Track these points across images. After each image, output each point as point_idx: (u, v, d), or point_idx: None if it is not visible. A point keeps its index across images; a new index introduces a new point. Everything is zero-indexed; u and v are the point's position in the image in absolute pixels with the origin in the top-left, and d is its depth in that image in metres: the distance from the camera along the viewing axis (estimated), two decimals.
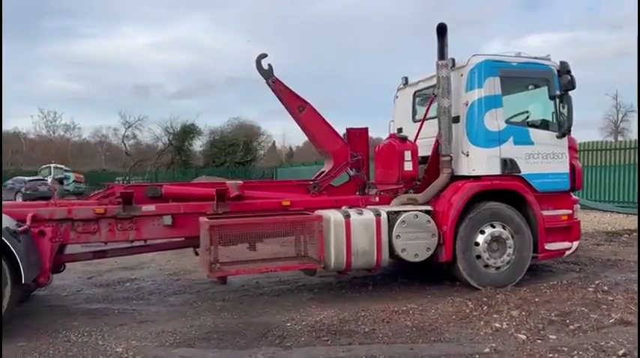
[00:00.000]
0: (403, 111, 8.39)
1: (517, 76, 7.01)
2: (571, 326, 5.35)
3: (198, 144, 51.07)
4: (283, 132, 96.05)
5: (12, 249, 5.15)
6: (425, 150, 7.20)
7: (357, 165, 7.51)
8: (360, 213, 6.28)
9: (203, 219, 5.95)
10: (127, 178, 45.82)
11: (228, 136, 48.54)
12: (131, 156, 51.12)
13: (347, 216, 6.19)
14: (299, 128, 7.47)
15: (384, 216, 6.32)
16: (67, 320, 5.92)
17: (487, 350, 4.76)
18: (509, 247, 6.79)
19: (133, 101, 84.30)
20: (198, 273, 8.52)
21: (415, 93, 8.16)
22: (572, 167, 7.19)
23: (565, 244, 7.18)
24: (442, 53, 6.84)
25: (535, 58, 7.17)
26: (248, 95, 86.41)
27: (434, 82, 7.58)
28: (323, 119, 7.32)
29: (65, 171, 36.73)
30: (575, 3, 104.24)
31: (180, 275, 8.39)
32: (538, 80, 7.17)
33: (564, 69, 7.06)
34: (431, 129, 7.34)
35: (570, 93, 6.93)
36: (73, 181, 34.97)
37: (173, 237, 6.49)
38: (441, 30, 6.82)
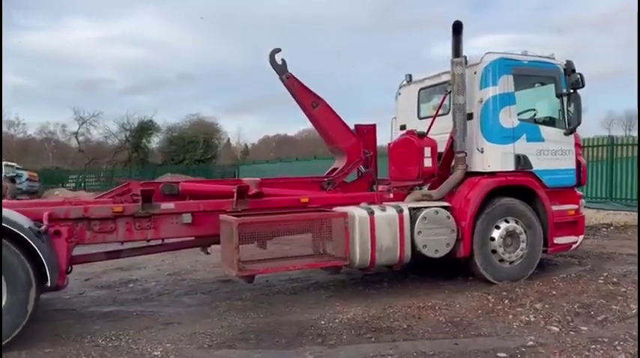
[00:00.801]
0: (406, 108, 8.42)
1: (527, 74, 7.16)
2: (598, 318, 5.51)
3: (155, 141, 49.93)
4: (238, 129, 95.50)
5: (37, 249, 4.88)
6: None
7: (367, 161, 7.50)
8: (384, 210, 6.27)
9: (229, 217, 5.80)
10: (82, 177, 44.38)
11: (187, 133, 47.60)
12: (84, 153, 49.44)
13: (371, 213, 6.16)
14: (310, 123, 7.39)
15: (406, 212, 6.33)
16: (85, 324, 5.66)
17: (530, 343, 4.84)
18: (523, 241, 6.93)
19: (81, 96, 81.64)
20: (199, 273, 8.35)
21: (420, 90, 8.20)
22: (578, 163, 7.40)
23: (572, 238, 7.40)
24: (457, 51, 6.90)
25: (540, 56, 7.33)
26: (201, 92, 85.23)
27: (442, 79, 7.70)
28: (336, 115, 7.26)
29: (17, 169, 35.13)
30: (520, 5, 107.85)
31: (182, 275, 8.17)
32: (545, 78, 7.34)
33: (570, 68, 7.26)
34: (437, 125, 7.39)
35: (579, 91, 7.11)
36: (27, 180, 33.45)
37: (191, 235, 6.29)
38: (457, 28, 6.88)
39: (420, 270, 7.62)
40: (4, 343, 4.74)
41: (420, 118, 8.15)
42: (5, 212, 4.95)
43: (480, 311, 5.86)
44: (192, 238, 6.60)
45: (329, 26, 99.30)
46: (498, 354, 4.58)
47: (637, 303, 5.82)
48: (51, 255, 5.06)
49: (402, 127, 8.42)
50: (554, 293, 6.38)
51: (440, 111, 7.78)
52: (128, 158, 47.83)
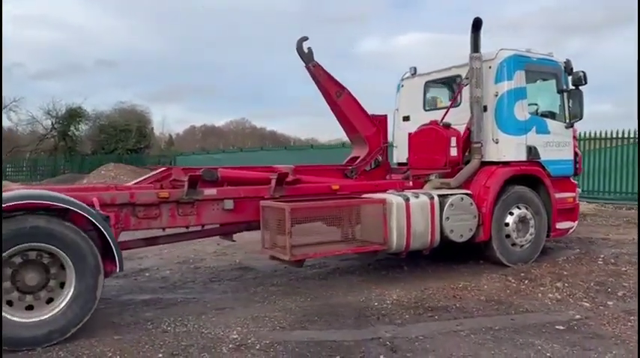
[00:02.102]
0: (411, 99, 8.72)
1: (536, 71, 7.66)
2: (617, 294, 6.08)
3: (83, 129, 47.60)
4: (162, 118, 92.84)
5: (106, 235, 4.76)
6: None
7: (382, 151, 7.76)
8: (417, 197, 6.54)
9: (279, 203, 5.86)
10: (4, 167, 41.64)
11: (119, 121, 45.74)
12: (4, 141, 46.26)
13: (407, 200, 6.42)
14: (332, 113, 7.53)
15: (436, 199, 6.64)
16: (135, 312, 5.56)
17: (577, 316, 5.30)
18: (532, 227, 7.45)
19: None
20: (208, 261, 8.31)
21: (427, 83, 8.54)
22: (575, 154, 8.02)
23: (569, 224, 8.04)
24: (476, 46, 7.27)
25: (544, 54, 7.87)
26: (122, 79, 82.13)
27: (451, 72, 8.08)
28: (359, 105, 7.45)
29: None
30: (442, 6, 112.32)
31: (193, 264, 8.08)
32: (549, 75, 7.88)
33: (569, 66, 7.85)
34: (438, 119, 7.77)
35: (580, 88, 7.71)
36: None
37: (231, 221, 6.27)
38: (476, 24, 7.24)
39: (428, 256, 7.94)
40: (74, 330, 4.59)
41: (427, 110, 8.49)
42: (70, 197, 4.79)
43: (508, 291, 6.28)
44: (218, 225, 6.57)
45: (259, 17, 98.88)
46: (556, 327, 4.99)
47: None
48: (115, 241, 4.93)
49: (406, 118, 8.74)
50: (565, 273, 6.92)
51: (446, 104, 8.20)
52: (54, 146, 45.39)
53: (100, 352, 4.37)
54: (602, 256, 7.75)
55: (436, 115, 8.05)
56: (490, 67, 7.45)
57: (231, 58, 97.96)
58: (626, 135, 15.35)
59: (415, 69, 8.74)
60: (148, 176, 6.36)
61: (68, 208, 4.63)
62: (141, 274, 7.40)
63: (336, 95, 7.26)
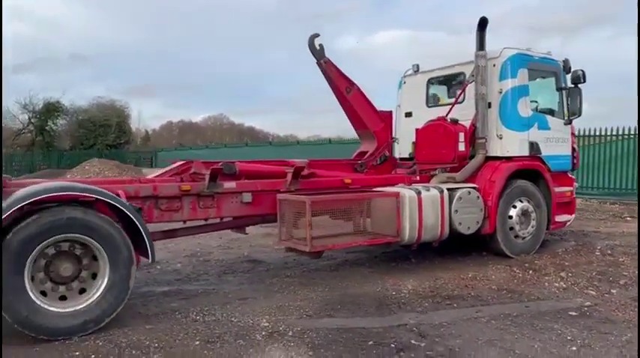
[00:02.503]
0: (413, 96, 8.93)
1: (537, 69, 7.93)
2: (620, 282, 6.37)
3: (61, 124, 46.83)
4: (138, 113, 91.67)
5: (139, 226, 4.85)
6: None
7: (389, 145, 7.95)
8: (428, 190, 6.74)
9: (300, 196, 6.00)
10: None
11: (98, 117, 45.15)
12: None
13: (418, 193, 6.61)
14: (342, 108, 7.69)
15: (446, 192, 6.85)
16: (159, 303, 5.65)
17: (587, 303, 5.56)
18: (533, 219, 7.73)
19: None
20: (215, 254, 8.43)
21: (429, 80, 8.75)
22: (573, 150, 8.33)
23: (567, 217, 8.35)
24: (481, 44, 7.50)
25: (545, 53, 8.15)
26: (96, 73, 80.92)
27: (455, 70, 8.32)
28: (368, 100, 7.62)
29: None
30: (419, 3, 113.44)
31: (202, 257, 8.17)
32: (549, 73, 8.16)
33: (567, 65, 8.15)
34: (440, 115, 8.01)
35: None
36: None
37: (248, 214, 6.38)
38: (482, 24, 7.47)
39: (433, 249, 8.17)
40: (107, 320, 4.68)
41: (429, 106, 8.71)
42: (102, 188, 4.87)
43: (515, 281, 6.53)
44: (231, 218, 6.68)
45: (236, 14, 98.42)
46: (570, 313, 5.25)
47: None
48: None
49: (408, 114, 8.95)
50: (567, 264, 7.21)
51: (448, 101, 8.44)
52: (31, 142, 44.61)
53: (136, 340, 4.46)
54: (598, 248, 8.07)
55: (439, 112, 8.29)
56: (494, 65, 7.68)
57: (208, 55, 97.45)
58: (609, 133, 15.85)
59: (418, 66, 8.95)
60: (167, 169, 6.43)
61: (105, 200, 4.70)
62: (152, 267, 7.43)
63: (346, 91, 7.42)
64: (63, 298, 4.67)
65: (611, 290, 6.08)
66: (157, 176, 6.28)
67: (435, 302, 5.60)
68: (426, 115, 8.48)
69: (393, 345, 4.33)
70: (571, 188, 8.36)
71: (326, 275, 6.89)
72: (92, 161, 26.21)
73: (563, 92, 8.12)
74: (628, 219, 11.85)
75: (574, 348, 4.31)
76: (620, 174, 15.28)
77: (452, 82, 8.59)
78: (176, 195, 5.80)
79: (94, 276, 4.79)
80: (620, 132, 15.59)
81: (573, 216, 8.52)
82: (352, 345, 4.37)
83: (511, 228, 7.55)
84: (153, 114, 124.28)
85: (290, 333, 4.64)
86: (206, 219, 6.25)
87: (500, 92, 7.62)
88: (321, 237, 6.08)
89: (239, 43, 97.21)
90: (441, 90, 8.87)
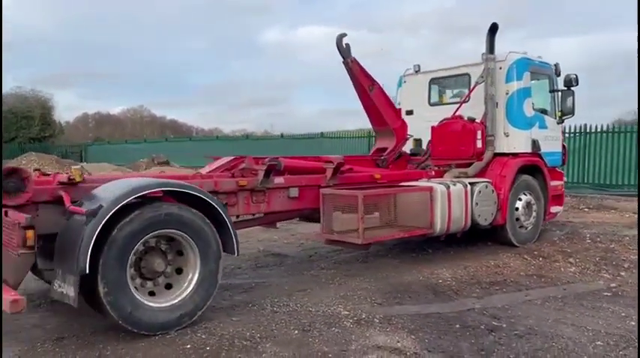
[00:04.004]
0: (414, 95, 9.38)
1: (537, 72, 8.61)
2: (624, 266, 7.12)
3: None
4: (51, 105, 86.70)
5: (227, 221, 4.94)
6: None
7: None
8: (455, 185, 7.20)
9: (352, 191, 6.27)
10: None
11: (20, 108, 42.50)
12: None
13: (447, 187, 7.06)
14: (362, 105, 8.00)
15: (469, 187, 7.35)
16: (226, 297, 5.70)
17: (613, 284, 6.23)
18: (534, 211, 8.42)
19: None
20: (243, 246, 8.41)
21: (432, 80, 9.24)
22: (563, 147, 9.12)
23: (558, 208, 9.15)
24: (492, 48, 8.06)
25: (540, 58, 8.85)
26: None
27: (460, 71, 8.86)
28: (388, 98, 7.98)
29: None
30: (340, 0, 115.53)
31: None
32: (544, 76, 8.87)
33: (558, 69, 8.92)
34: (441, 114, 8.53)
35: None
36: None
37: (294, 208, 6.55)
38: (493, 29, 8.02)
39: (442, 241, 8.65)
40: (199, 313, 4.75)
41: (431, 105, 9.21)
42: (190, 184, 4.91)
43: (533, 267, 7.14)
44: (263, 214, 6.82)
45: (161, 2, 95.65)
46: (604, 293, 5.88)
47: (635, 255, 7.59)
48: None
49: (409, 112, 9.38)
50: (568, 251, 7.93)
51: (450, 100, 8.98)
52: None
53: (235, 332, 4.58)
54: (587, 236, 8.89)
55: (440, 110, 8.81)
56: (501, 68, 8.27)
57: (128, 43, 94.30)
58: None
59: (419, 66, 9.41)
60: (218, 165, 6.46)
61: (196, 195, 4.76)
62: None
63: (369, 89, 7.72)
64: (151, 293, 4.69)
65: (621, 273, 6.81)
66: (210, 172, 6.31)
67: (482, 288, 6.06)
68: (427, 113, 8.97)
69: (482, 327, 4.72)
70: (561, 182, 9.15)
71: (358, 267, 7.18)
72: (29, 155, 24.84)
73: (556, 94, 8.86)
74: (586, 210, 12.93)
75: (633, 323, 4.88)
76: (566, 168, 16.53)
77: (455, 82, 9.10)
78: (233, 190, 5.88)
79: (179, 271, 4.84)
80: (567, 131, 16.92)
81: (562, 207, 9.32)
82: (442, 329, 4.71)
83: (517, 219, 8.18)
84: (66, 105, 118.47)
85: (376, 320, 4.91)
86: (254, 214, 6.36)
87: (507, 93, 8.21)
88: (369, 229, 6.37)
89: (160, 31, 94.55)
90: (444, 90, 9.38)
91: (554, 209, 8.96)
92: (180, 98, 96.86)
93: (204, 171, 6.43)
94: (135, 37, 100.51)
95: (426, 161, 8.38)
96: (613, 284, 6.23)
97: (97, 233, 4.10)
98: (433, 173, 8.02)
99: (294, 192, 6.41)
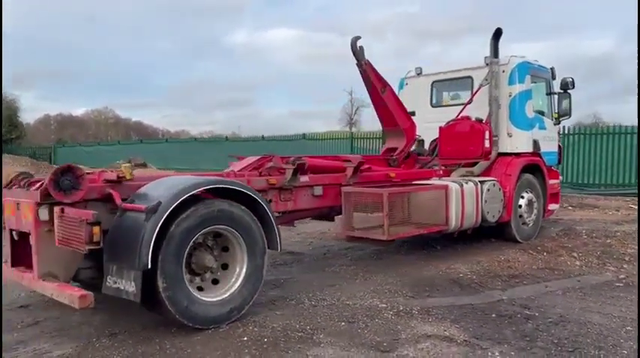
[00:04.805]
0: (416, 97, 9.65)
1: (536, 75, 8.99)
2: (625, 259, 7.52)
3: None
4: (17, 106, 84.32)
5: (271, 218, 5.08)
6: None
7: None
8: (467, 183, 7.48)
9: (377, 189, 6.47)
10: None
11: None
12: None
13: (461, 186, 7.34)
14: (373, 107, 8.21)
15: (479, 185, 7.64)
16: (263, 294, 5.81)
17: (621, 276, 6.59)
18: (535, 208, 8.79)
19: None
20: None
21: (434, 82, 9.53)
22: (559, 147, 9.54)
23: (555, 205, 9.56)
24: (496, 52, 8.39)
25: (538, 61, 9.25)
26: None
27: (461, 74, 9.18)
28: (399, 100, 8.22)
29: None
30: (309, 3, 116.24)
31: None
32: (542, 79, 9.26)
33: (554, 72, 9.34)
34: (443, 115, 8.90)
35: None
36: None
37: (317, 206, 6.71)
38: (497, 34, 8.35)
39: (447, 238, 8.93)
40: (247, 307, 4.87)
41: (434, 106, 9.51)
42: (234, 180, 5.03)
43: (540, 261, 7.46)
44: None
45: (124, 2, 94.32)
46: (616, 284, 6.23)
47: (632, 249, 8.02)
48: None
49: (411, 114, 9.63)
50: (569, 246, 8.31)
51: (452, 102, 9.31)
52: None
53: (285, 325, 4.72)
54: (583, 232, 9.31)
55: (443, 111, 9.14)
56: (503, 71, 8.61)
57: (91, 44, 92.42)
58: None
59: (421, 69, 9.70)
60: (246, 164, 6.56)
61: (245, 192, 4.88)
62: None
63: (381, 91, 7.94)
64: (200, 289, 4.79)
65: (624, 266, 7.20)
66: (239, 170, 6.41)
67: (503, 281, 6.34)
68: (429, 115, 9.27)
69: (518, 316, 4.98)
70: (558, 180, 9.56)
71: (376, 263, 7.38)
72: (4, 157, 24.23)
73: (554, 96, 9.27)
74: (570, 208, 13.46)
75: None
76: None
77: (458, 84, 9.42)
78: (264, 189, 6.00)
79: (224, 267, 4.95)
80: None
81: (558, 205, 9.73)
82: (481, 318, 4.95)
83: (520, 216, 8.52)
84: (26, 106, 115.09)
85: (415, 312, 5.12)
86: (280, 213, 6.48)
87: (510, 95, 8.55)
88: (392, 226, 6.59)
89: (124, 31, 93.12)
90: (446, 92, 9.69)
91: (551, 206, 9.36)
92: (145, 99, 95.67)
93: (230, 170, 6.51)
94: (98, 37, 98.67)
95: (433, 160, 8.64)
96: (622, 276, 6.59)
97: (158, 228, 4.19)
98: (441, 172, 8.29)
99: (318, 190, 6.57)
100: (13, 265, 4.93)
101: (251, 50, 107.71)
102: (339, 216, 6.93)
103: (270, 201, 6.03)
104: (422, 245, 8.39)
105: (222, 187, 4.81)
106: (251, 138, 25.69)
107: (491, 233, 8.60)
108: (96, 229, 4.01)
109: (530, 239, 8.60)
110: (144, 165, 27.59)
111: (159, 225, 4.20)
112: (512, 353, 4.12)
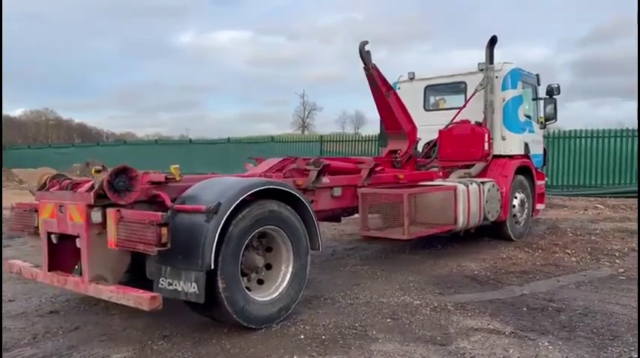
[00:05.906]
0: (409, 101, 9.83)
1: (526, 81, 9.43)
2: (615, 255, 8.01)
3: None
4: None
5: (313, 219, 5.17)
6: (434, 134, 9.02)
7: None
8: (472, 184, 7.79)
9: (395, 189, 6.66)
10: None
11: None
12: None
13: (467, 186, 7.63)
14: (378, 110, 8.41)
15: (481, 186, 7.96)
16: None
17: (621, 270, 7.03)
18: (526, 207, 9.22)
19: None
20: None
21: (427, 87, 9.84)
22: (544, 149, 10.04)
23: (542, 205, 10.06)
24: (491, 59, 8.76)
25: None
26: None
27: (455, 79, 9.54)
28: (402, 104, 8.44)
29: None
30: (259, 5, 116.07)
31: None
32: (529, 85, 9.72)
33: (539, 79, 9.83)
34: (436, 119, 9.23)
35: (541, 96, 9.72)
36: None
37: (335, 208, 6.82)
38: (492, 41, 8.73)
39: (443, 238, 9.21)
40: (293, 306, 4.94)
41: (427, 110, 9.81)
42: (282, 182, 5.09)
43: (539, 258, 7.83)
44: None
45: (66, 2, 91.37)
46: (619, 278, 6.65)
47: (622, 245, 8.55)
48: None
49: None
50: (560, 243, 8.76)
51: (447, 106, 9.65)
52: None
53: (331, 322, 4.82)
54: (568, 230, 9.83)
55: (436, 115, 9.46)
56: (497, 77, 8.99)
57: (29, 42, 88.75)
58: None
59: (414, 74, 9.99)
60: (270, 166, 6.58)
61: (293, 193, 4.96)
62: None
63: (386, 94, 8.14)
64: (247, 289, 4.82)
65: (616, 261, 7.66)
66: (264, 172, 6.43)
67: (517, 276, 6.64)
68: (422, 118, 9.52)
69: (550, 308, 5.27)
70: (544, 181, 10.05)
71: (388, 262, 7.56)
72: None
73: (539, 101, 9.74)
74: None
75: None
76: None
77: (451, 89, 9.75)
78: None
79: (268, 267, 5.00)
80: None
81: (544, 204, 10.23)
82: (515, 312, 5.20)
83: (514, 215, 8.92)
84: None
85: (450, 307, 5.32)
86: None
87: (504, 100, 8.95)
88: (410, 225, 6.79)
89: (63, 31, 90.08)
90: (440, 96, 10.00)
91: (539, 206, 9.84)
92: (87, 100, 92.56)
93: (255, 171, 6.53)
94: (35, 35, 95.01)
95: (431, 162, 8.91)
96: (621, 270, 7.03)
97: (220, 229, 4.21)
98: (441, 173, 8.58)
99: (337, 191, 6.70)
100: (50, 270, 4.82)
101: (198, 52, 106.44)
102: (354, 216, 7.11)
103: None
104: (423, 245, 8.63)
105: (270, 188, 4.85)
106: (217, 140, 25.41)
107: (485, 232, 8.95)
108: (164, 230, 3.99)
109: (522, 237, 9.02)
110: (103, 169, 26.83)
111: (220, 226, 4.22)
112: (560, 342, 4.37)
